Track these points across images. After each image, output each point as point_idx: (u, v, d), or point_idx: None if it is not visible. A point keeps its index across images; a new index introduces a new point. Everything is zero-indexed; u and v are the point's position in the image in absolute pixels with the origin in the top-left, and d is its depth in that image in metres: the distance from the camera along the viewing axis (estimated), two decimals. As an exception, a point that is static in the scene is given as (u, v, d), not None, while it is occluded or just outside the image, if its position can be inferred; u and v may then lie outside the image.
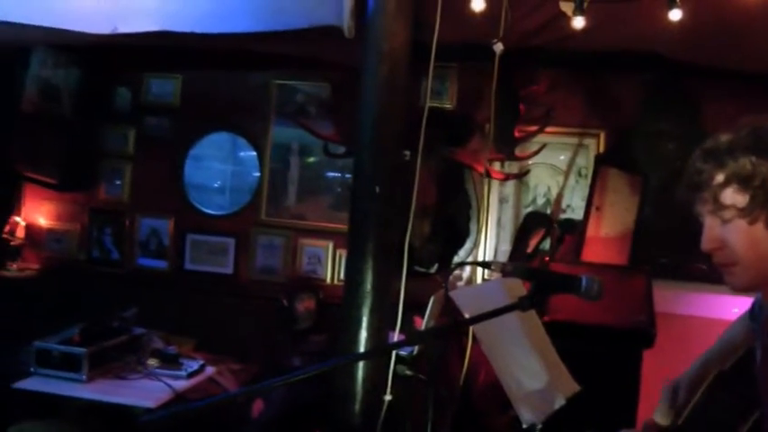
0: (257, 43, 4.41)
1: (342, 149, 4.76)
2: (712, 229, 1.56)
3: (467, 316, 2.03)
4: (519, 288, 2.04)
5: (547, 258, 4.14)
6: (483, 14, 3.63)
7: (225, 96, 5.73)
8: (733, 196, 1.51)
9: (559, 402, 2.17)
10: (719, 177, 1.52)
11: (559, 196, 5.12)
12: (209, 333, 5.07)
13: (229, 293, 5.58)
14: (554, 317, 3.85)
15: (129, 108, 5.90)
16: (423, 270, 4.72)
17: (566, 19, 3.72)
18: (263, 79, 5.65)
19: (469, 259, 5.10)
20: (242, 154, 5.82)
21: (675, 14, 3.56)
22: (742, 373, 1.89)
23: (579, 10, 3.38)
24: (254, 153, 5.68)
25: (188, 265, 5.75)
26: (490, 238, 5.22)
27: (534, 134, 4.75)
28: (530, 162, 5.06)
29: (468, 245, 5.16)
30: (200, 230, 5.73)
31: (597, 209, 4.78)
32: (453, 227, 5.04)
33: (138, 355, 4.32)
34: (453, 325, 2.47)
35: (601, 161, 4.99)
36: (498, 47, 3.46)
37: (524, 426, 2.10)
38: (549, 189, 5.24)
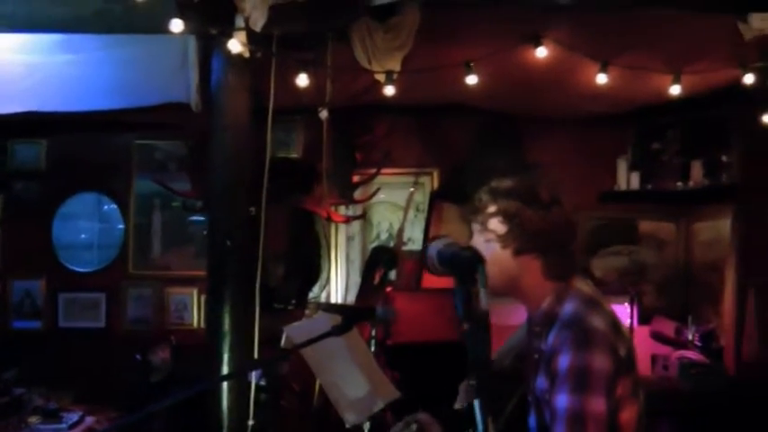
0: (118, 114, 4.77)
1: (199, 204, 5.02)
2: (476, 244, 2.05)
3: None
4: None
5: (390, 288, 4.64)
6: (312, 84, 4.15)
7: (89, 158, 5.91)
8: (496, 225, 2.04)
9: (378, 406, 2.71)
10: (492, 209, 2.04)
11: (400, 231, 5.51)
12: (88, 385, 5.12)
13: (103, 346, 5.71)
14: (396, 340, 4.36)
15: (-4, 174, 5.95)
16: (282, 307, 5.14)
17: (384, 82, 4.29)
18: (125, 140, 5.90)
19: (324, 293, 5.57)
20: (106, 208, 5.98)
21: (472, 79, 4.15)
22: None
23: (389, 80, 3.95)
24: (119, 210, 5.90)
25: (62, 323, 5.84)
26: (341, 273, 5.72)
27: (371, 178, 5.24)
28: (373, 200, 5.56)
29: (321, 281, 5.64)
30: (72, 288, 5.85)
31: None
32: (307, 265, 5.50)
33: (20, 414, 4.33)
34: (283, 352, 2.97)
35: (435, 196, 5.53)
36: (323, 114, 4.00)
37: (347, 426, 2.64)
38: (391, 225, 5.79)
